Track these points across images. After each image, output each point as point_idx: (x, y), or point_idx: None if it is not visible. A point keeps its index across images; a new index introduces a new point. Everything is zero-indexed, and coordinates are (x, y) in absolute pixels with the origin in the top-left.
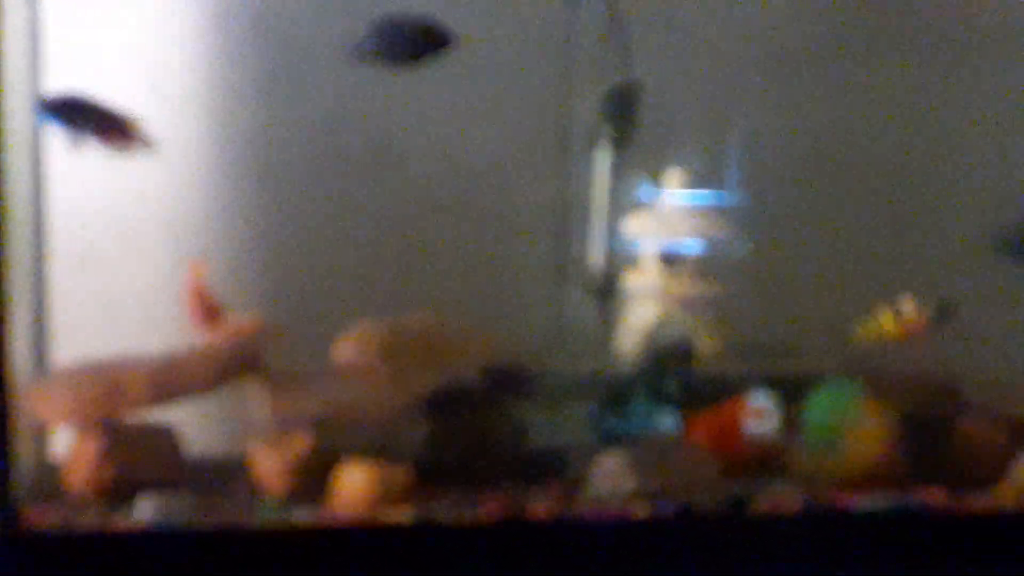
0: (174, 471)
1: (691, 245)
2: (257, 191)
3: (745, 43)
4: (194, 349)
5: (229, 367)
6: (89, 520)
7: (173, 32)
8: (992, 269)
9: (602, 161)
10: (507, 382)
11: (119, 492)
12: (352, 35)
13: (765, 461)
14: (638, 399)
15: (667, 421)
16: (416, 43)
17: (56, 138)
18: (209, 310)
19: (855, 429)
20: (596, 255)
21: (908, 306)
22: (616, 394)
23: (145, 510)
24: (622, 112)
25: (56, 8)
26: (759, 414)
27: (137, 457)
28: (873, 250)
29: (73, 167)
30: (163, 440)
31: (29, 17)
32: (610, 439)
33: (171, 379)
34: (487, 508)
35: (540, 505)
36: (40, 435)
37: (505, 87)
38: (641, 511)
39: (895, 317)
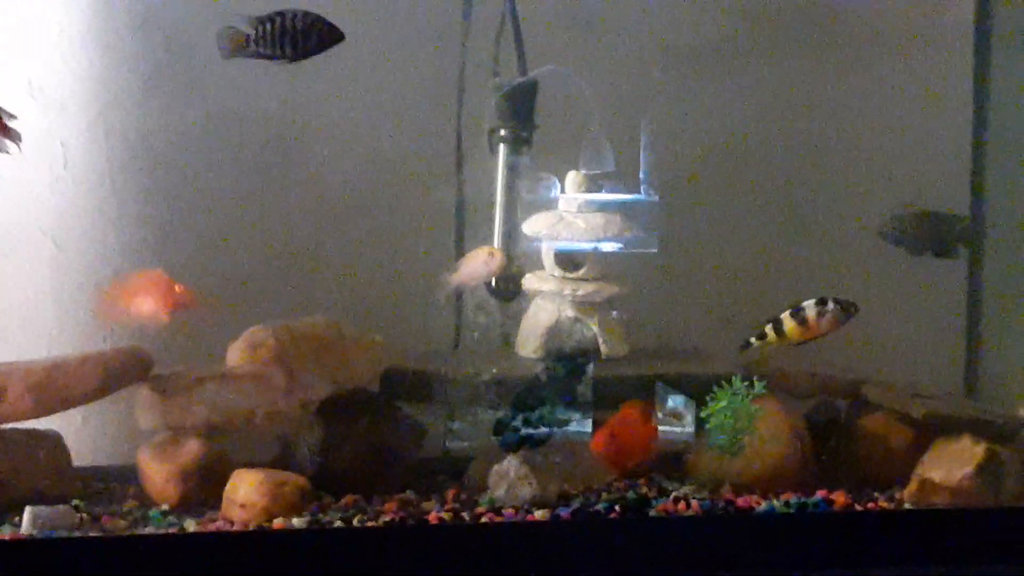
0: (62, 480)
1: (591, 246)
2: (147, 192)
3: (649, 41)
4: (81, 355)
5: (118, 373)
6: None
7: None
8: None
9: (500, 161)
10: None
11: (1, 500)
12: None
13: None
14: (538, 402)
15: (567, 423)
16: (305, 37)
17: None
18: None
19: (758, 429)
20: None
21: (809, 307)
22: (516, 398)
23: (27, 520)
24: (519, 112)
25: None
26: (674, 416)
27: (22, 466)
28: (775, 247)
29: None
30: (50, 448)
31: None
32: (510, 443)
33: (57, 386)
34: (384, 513)
35: (437, 510)
36: None
37: (403, 84)
38: (541, 514)
39: (796, 319)
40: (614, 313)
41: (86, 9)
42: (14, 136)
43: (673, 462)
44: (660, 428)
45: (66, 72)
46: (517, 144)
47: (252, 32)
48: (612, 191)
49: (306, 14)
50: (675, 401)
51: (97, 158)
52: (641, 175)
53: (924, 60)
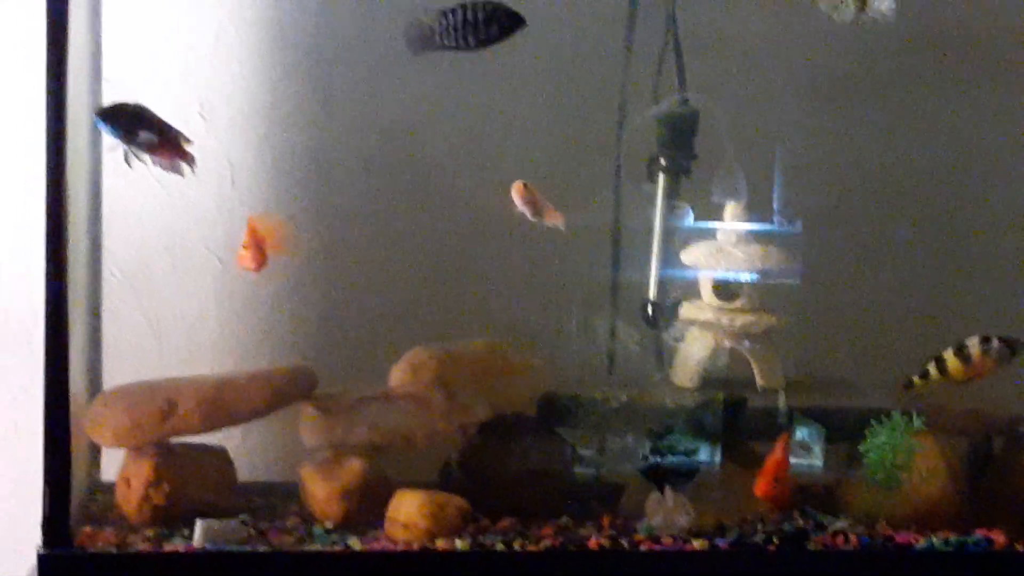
0: (227, 495)
1: (747, 276)
2: (312, 212)
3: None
4: (248, 373)
5: (284, 391)
6: (142, 542)
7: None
8: None
9: (658, 189)
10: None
11: (171, 515)
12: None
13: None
14: (686, 434)
15: (714, 455)
16: (487, 26)
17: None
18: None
19: (915, 466)
20: (651, 284)
21: (973, 345)
22: (666, 427)
23: (199, 533)
24: (679, 141)
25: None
26: (802, 448)
27: (189, 480)
28: (930, 279)
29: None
30: (216, 463)
31: (91, 37)
32: (657, 472)
33: (226, 402)
34: (543, 538)
35: (594, 536)
36: (93, 456)
37: (563, 108)
38: (699, 544)
39: (960, 357)
40: (770, 345)
41: (258, 30)
42: (189, 159)
43: (825, 495)
44: (800, 459)
45: (236, 92)
46: (676, 174)
47: (436, 24)
48: (769, 221)
49: (487, 3)
50: (803, 432)
51: (264, 177)
52: (775, 204)
53: None
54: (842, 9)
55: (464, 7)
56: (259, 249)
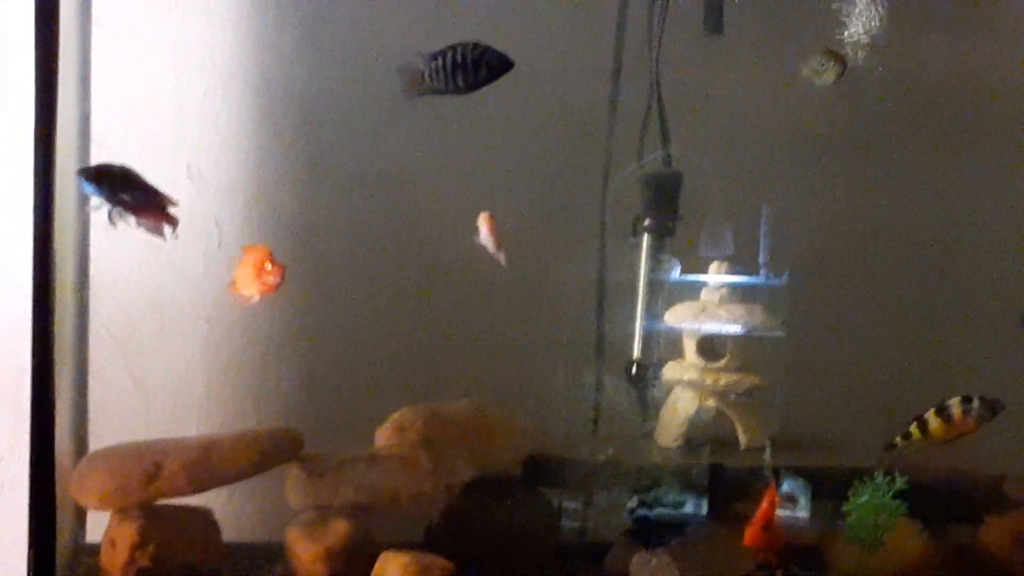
0: (213, 556)
1: (731, 335)
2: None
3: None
4: (235, 434)
5: (270, 452)
6: None
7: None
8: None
9: (644, 249)
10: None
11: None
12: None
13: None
14: (671, 490)
15: (701, 512)
16: (476, 69)
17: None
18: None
19: (897, 526)
20: (635, 343)
21: (954, 405)
22: (650, 484)
23: None
24: (662, 201)
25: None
26: (788, 500)
27: (175, 541)
28: (911, 337)
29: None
30: (202, 525)
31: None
32: (644, 529)
33: (212, 464)
34: None
35: None
36: (79, 518)
37: (549, 167)
38: None
39: (942, 417)
40: (753, 404)
41: (245, 92)
42: (173, 222)
43: (810, 553)
44: (787, 511)
45: (224, 154)
46: (661, 234)
47: (426, 67)
48: (753, 278)
49: (475, 45)
50: (789, 485)
51: (251, 238)
52: (762, 259)
53: None
54: (823, 74)
55: (453, 49)
56: (260, 276)
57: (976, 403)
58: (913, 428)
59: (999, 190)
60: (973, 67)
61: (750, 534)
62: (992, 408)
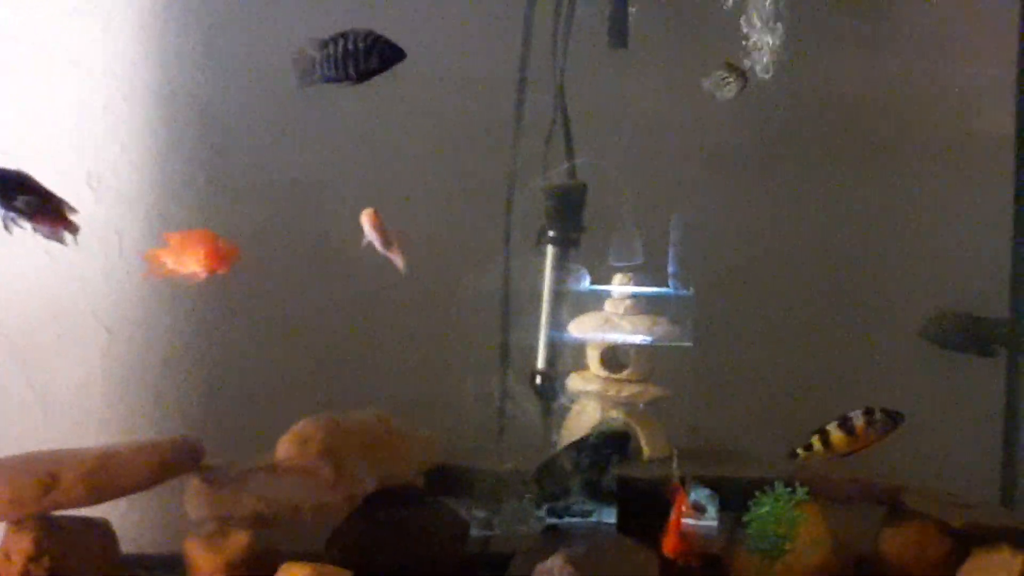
0: (110, 567)
1: (635, 345)
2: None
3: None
4: (134, 444)
5: (170, 463)
6: None
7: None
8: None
9: (548, 261)
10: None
11: None
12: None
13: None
14: (575, 495)
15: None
16: (367, 58)
17: None
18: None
19: (799, 534)
20: (539, 354)
21: (856, 417)
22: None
23: None
24: (567, 213)
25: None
26: (698, 509)
27: (71, 553)
28: (818, 348)
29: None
30: (99, 536)
31: None
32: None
33: (110, 474)
34: None
35: None
36: None
37: (455, 179)
38: None
39: (844, 429)
40: (657, 414)
41: (147, 101)
42: (72, 228)
43: (711, 563)
44: (697, 520)
45: (124, 163)
46: (565, 245)
47: (318, 55)
48: (644, 284)
49: (368, 34)
50: (698, 494)
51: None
52: (670, 269)
53: (963, 165)
54: (724, 88)
55: (344, 36)
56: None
57: (878, 415)
58: (815, 440)
59: (903, 203)
60: (878, 83)
61: (669, 543)
62: (894, 420)
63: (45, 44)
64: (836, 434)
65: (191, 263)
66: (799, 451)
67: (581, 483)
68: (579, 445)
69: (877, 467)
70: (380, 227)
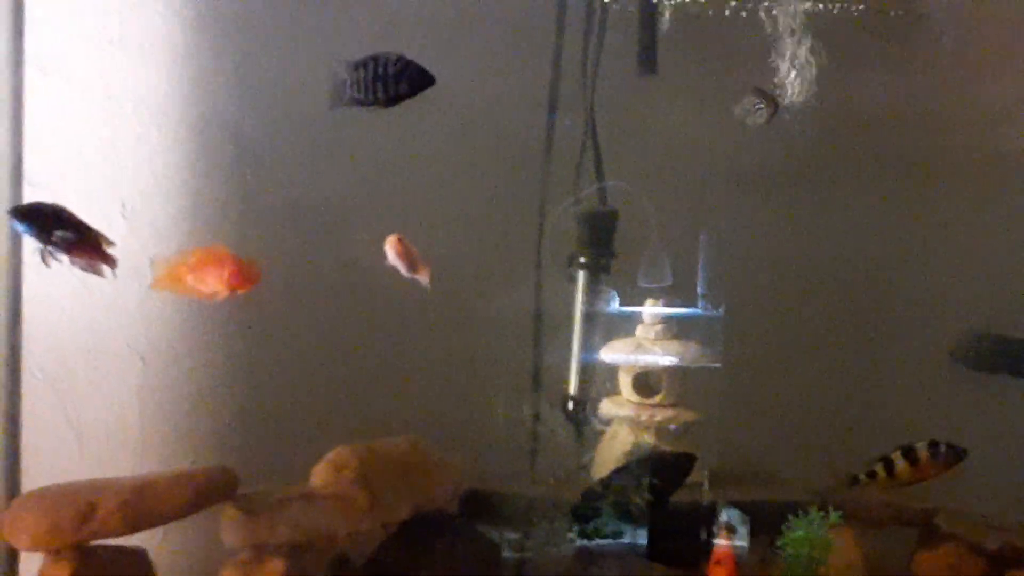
0: None
1: (666, 370)
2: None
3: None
4: (170, 473)
5: (206, 492)
6: None
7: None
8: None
9: (579, 286)
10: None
11: None
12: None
13: None
14: (608, 519)
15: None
16: (396, 82)
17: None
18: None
19: (832, 560)
20: (571, 380)
21: (921, 449)
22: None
23: None
24: (598, 238)
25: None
26: (729, 530)
27: None
28: (849, 369)
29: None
30: (136, 565)
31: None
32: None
33: (147, 504)
34: None
35: None
36: (10, 560)
37: (486, 204)
38: None
39: (908, 459)
40: (689, 439)
41: (180, 131)
42: (111, 261)
43: None
44: (728, 541)
45: (157, 192)
46: (596, 271)
47: (348, 77)
48: (689, 311)
49: (398, 58)
50: (729, 514)
51: None
52: (700, 290)
53: (995, 184)
54: (755, 115)
55: (375, 59)
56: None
57: (943, 448)
58: (879, 468)
59: (934, 223)
60: (908, 102)
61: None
62: (958, 454)
63: (79, 77)
64: (901, 464)
65: (213, 282)
66: (861, 476)
67: (638, 507)
68: (642, 464)
69: (910, 490)
70: (405, 254)
